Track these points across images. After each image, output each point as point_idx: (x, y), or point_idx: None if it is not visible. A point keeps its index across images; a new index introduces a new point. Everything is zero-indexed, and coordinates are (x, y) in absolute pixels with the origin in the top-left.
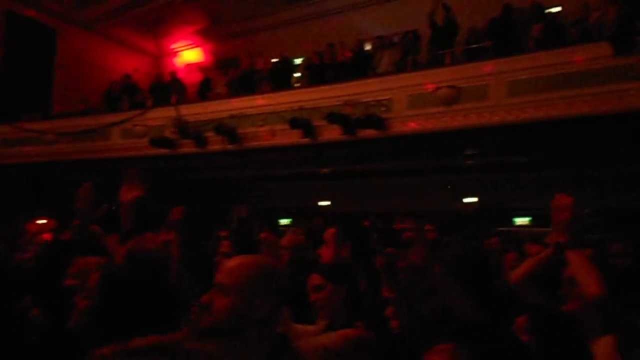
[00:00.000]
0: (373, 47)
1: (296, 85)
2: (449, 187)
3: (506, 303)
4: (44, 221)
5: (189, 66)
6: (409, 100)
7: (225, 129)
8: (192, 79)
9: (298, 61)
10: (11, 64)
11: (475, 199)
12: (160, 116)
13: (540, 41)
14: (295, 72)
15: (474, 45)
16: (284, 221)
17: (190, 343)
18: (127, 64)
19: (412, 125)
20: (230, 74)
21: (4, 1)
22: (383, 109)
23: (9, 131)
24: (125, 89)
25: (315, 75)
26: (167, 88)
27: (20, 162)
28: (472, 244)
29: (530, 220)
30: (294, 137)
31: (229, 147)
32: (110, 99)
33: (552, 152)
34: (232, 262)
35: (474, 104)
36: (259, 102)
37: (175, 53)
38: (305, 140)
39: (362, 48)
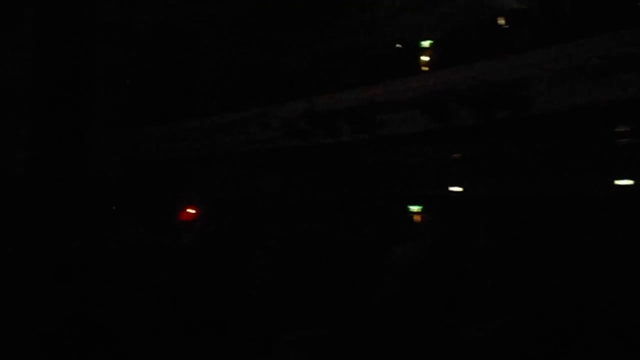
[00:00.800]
0: (507, 22)
1: (424, 69)
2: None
3: None
4: (193, 211)
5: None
6: (550, 76)
7: (356, 117)
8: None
9: (425, 44)
10: (160, 69)
11: (630, 182)
12: (294, 108)
13: None
14: (423, 56)
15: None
16: (415, 207)
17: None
18: None
19: (554, 104)
20: (359, 63)
21: (150, 11)
22: (521, 87)
23: (161, 131)
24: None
25: (445, 57)
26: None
27: (171, 157)
28: None
29: None
30: (425, 123)
31: (361, 135)
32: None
33: None
34: (399, 248)
35: (631, 74)
36: (388, 89)
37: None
38: (436, 126)
39: (495, 24)
